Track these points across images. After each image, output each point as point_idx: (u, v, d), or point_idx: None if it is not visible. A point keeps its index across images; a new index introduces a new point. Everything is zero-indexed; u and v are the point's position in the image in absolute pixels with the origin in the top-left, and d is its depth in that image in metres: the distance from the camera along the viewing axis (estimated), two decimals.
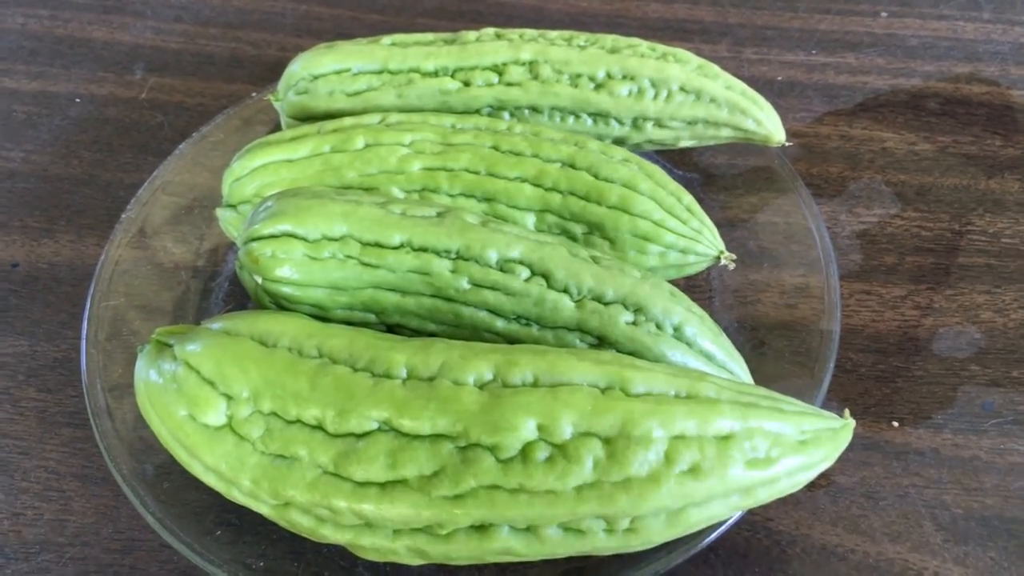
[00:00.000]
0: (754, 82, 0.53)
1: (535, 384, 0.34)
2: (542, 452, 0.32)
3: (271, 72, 0.69)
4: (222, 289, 0.52)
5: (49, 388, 0.50)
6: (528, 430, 0.33)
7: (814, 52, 0.69)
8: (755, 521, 0.44)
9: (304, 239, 0.39)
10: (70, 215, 0.59)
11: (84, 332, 0.46)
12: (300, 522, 0.35)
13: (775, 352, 0.48)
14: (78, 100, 0.67)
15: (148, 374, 0.37)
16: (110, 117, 0.66)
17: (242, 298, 0.52)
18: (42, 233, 0.58)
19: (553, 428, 0.33)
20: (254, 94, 0.59)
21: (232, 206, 0.47)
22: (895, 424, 0.48)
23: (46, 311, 0.53)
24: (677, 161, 0.57)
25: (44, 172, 0.62)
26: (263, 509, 0.36)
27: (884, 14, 0.73)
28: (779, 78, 0.67)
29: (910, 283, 0.54)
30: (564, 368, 0.34)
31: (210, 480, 0.36)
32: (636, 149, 0.52)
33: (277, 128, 0.57)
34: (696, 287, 0.51)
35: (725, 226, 0.51)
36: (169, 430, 0.36)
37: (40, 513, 0.45)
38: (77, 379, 0.50)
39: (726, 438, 0.33)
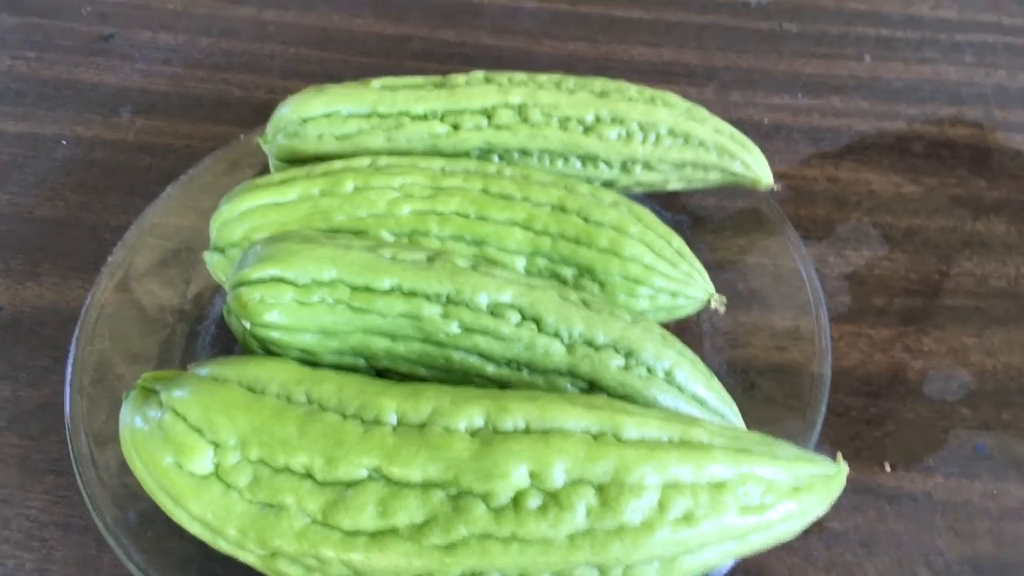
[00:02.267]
0: (740, 125, 0.54)
1: (527, 430, 0.34)
2: (534, 500, 0.32)
3: (259, 114, 0.68)
4: (208, 333, 0.52)
5: (31, 435, 0.49)
6: (520, 477, 0.32)
7: (799, 95, 0.70)
8: (748, 568, 0.44)
9: (293, 284, 0.39)
10: (54, 257, 0.58)
11: (68, 377, 0.45)
12: (288, 572, 0.34)
13: (766, 395, 0.48)
14: (64, 142, 0.67)
15: (133, 420, 0.37)
16: (96, 159, 0.65)
17: (229, 342, 0.51)
18: (26, 276, 0.57)
19: (545, 475, 0.32)
20: (242, 136, 0.59)
21: (220, 249, 0.46)
22: (887, 468, 0.47)
23: (29, 355, 0.53)
24: (665, 203, 0.57)
25: (29, 214, 0.61)
26: (250, 559, 0.35)
27: (868, 57, 0.73)
28: (765, 121, 0.68)
29: (899, 325, 0.54)
30: (556, 414, 0.34)
31: (195, 529, 0.35)
32: (625, 192, 0.53)
33: (265, 170, 0.57)
34: (686, 330, 0.51)
35: (714, 268, 0.51)
36: (154, 478, 0.36)
37: (21, 563, 0.44)
38: (60, 425, 0.49)
39: (719, 485, 0.33)
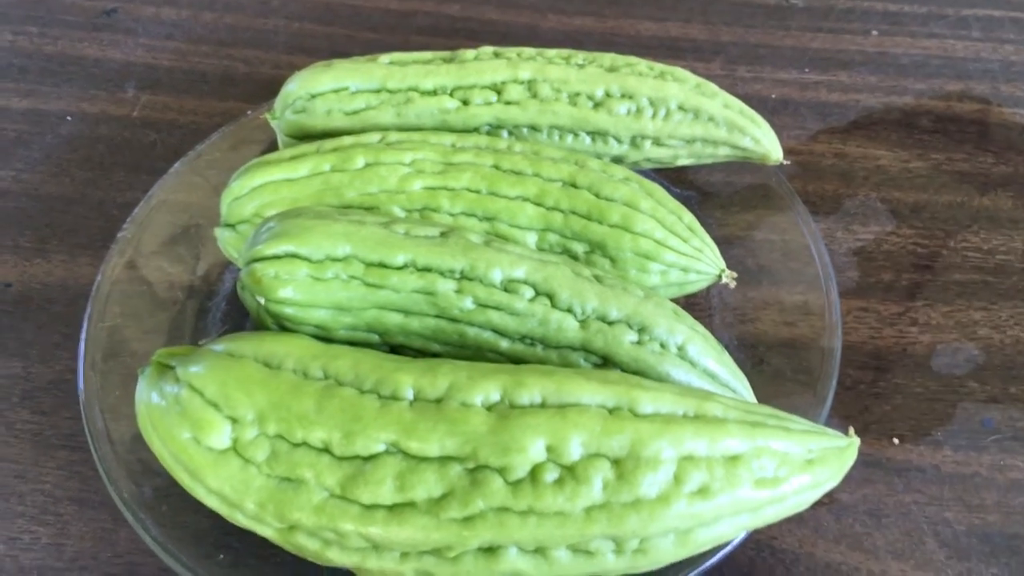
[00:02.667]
0: (748, 100, 0.54)
1: (543, 405, 0.34)
2: (551, 473, 0.32)
3: (264, 90, 0.68)
4: (219, 309, 0.52)
5: (44, 410, 0.49)
6: (537, 451, 0.32)
7: (807, 70, 0.70)
8: (759, 540, 0.44)
9: (307, 259, 0.39)
10: (62, 234, 0.58)
11: (81, 353, 0.45)
12: (306, 545, 0.34)
13: (775, 370, 0.48)
14: (69, 118, 0.67)
15: (150, 396, 0.37)
16: (102, 135, 0.65)
17: (239, 318, 0.51)
18: (34, 253, 0.57)
19: (562, 449, 0.32)
20: (249, 112, 0.59)
21: (231, 226, 0.46)
22: (896, 441, 0.48)
23: (39, 332, 0.53)
24: (674, 179, 0.57)
25: (35, 191, 0.61)
26: (267, 532, 0.35)
27: (875, 32, 0.73)
28: (773, 96, 0.68)
29: (907, 300, 0.54)
30: (572, 388, 0.34)
31: (213, 503, 0.36)
32: (634, 167, 0.53)
33: (272, 147, 0.56)
34: (696, 305, 0.52)
35: (723, 244, 0.51)
36: (172, 453, 0.36)
37: (37, 537, 0.44)
38: (71, 401, 0.49)
39: (734, 458, 0.33)
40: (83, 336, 0.46)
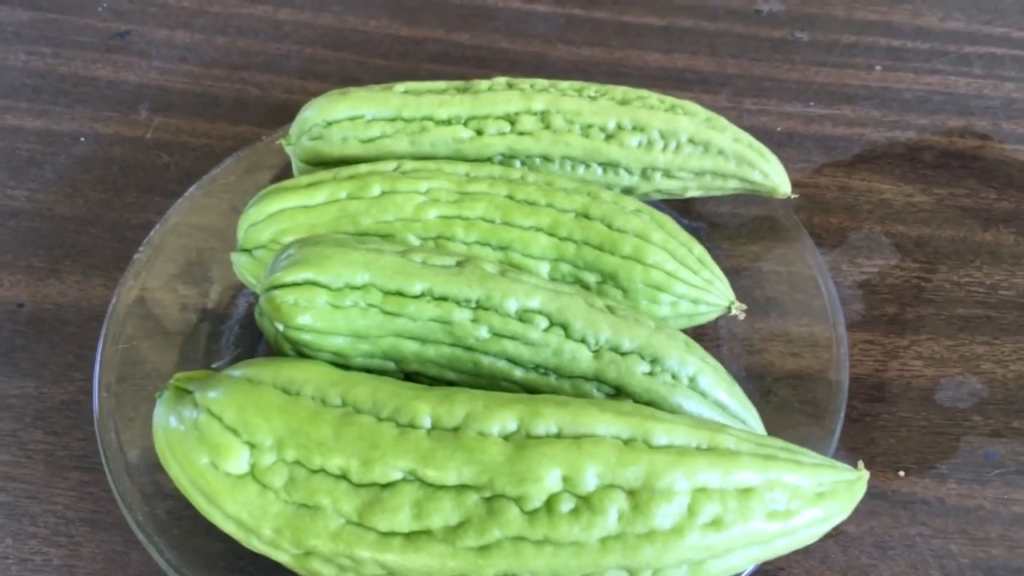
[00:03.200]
0: (754, 132, 0.54)
1: (559, 435, 0.34)
2: (567, 503, 0.33)
3: (276, 114, 0.69)
4: (232, 333, 0.52)
5: (56, 431, 0.50)
6: (553, 481, 0.33)
7: (812, 104, 0.71)
8: (768, 571, 0.45)
9: (327, 287, 0.39)
10: (76, 255, 0.59)
11: (96, 375, 0.46)
12: (321, 571, 0.35)
13: (782, 401, 0.48)
14: (83, 139, 0.67)
15: (168, 420, 0.37)
16: (115, 156, 0.66)
17: (252, 342, 0.52)
18: (48, 273, 0.58)
19: (577, 479, 0.33)
20: (264, 137, 0.59)
21: (247, 251, 0.47)
22: (901, 473, 0.48)
23: (52, 352, 0.53)
24: (682, 210, 0.58)
25: (49, 211, 0.62)
26: (283, 558, 0.35)
27: (879, 68, 0.74)
28: (778, 128, 0.69)
29: (911, 333, 0.55)
30: (587, 419, 0.35)
31: (229, 528, 0.36)
32: (644, 198, 0.53)
33: (286, 171, 0.57)
34: (704, 335, 0.52)
35: (731, 275, 0.51)
36: (189, 477, 0.36)
37: (49, 559, 0.45)
38: (85, 422, 0.50)
39: (747, 491, 0.33)
40: (98, 358, 0.47)
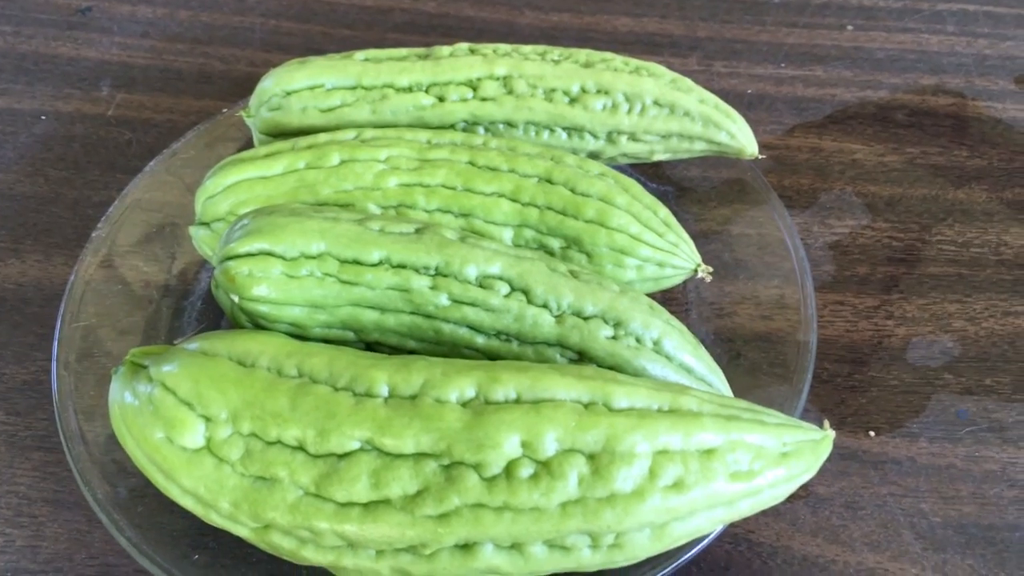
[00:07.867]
0: (724, 95, 0.54)
1: (518, 400, 0.34)
2: (526, 469, 0.32)
3: (241, 88, 0.68)
4: (195, 308, 0.52)
5: (18, 411, 0.49)
6: (512, 447, 0.32)
7: (783, 65, 0.70)
8: (736, 533, 0.44)
9: (281, 257, 0.39)
10: (37, 234, 0.58)
11: (55, 353, 0.45)
12: (281, 544, 0.34)
13: (751, 363, 0.48)
14: (43, 117, 0.66)
15: (123, 396, 0.37)
16: (77, 134, 0.65)
17: (215, 317, 0.51)
18: (8, 253, 0.57)
19: (537, 445, 0.32)
20: (225, 110, 0.58)
21: (205, 224, 0.46)
22: (872, 434, 0.48)
23: (14, 332, 0.52)
24: (651, 174, 0.57)
25: (10, 191, 0.61)
26: (242, 532, 0.35)
27: (850, 27, 0.73)
28: (749, 91, 0.68)
29: (882, 293, 0.54)
30: (547, 384, 0.34)
31: (187, 503, 0.35)
32: (611, 163, 0.53)
33: (248, 144, 0.56)
34: (673, 300, 0.52)
35: (699, 238, 0.51)
36: (145, 453, 0.36)
37: (11, 540, 0.44)
38: (47, 402, 0.49)
39: (709, 452, 0.33)
40: (56, 336, 0.46)
